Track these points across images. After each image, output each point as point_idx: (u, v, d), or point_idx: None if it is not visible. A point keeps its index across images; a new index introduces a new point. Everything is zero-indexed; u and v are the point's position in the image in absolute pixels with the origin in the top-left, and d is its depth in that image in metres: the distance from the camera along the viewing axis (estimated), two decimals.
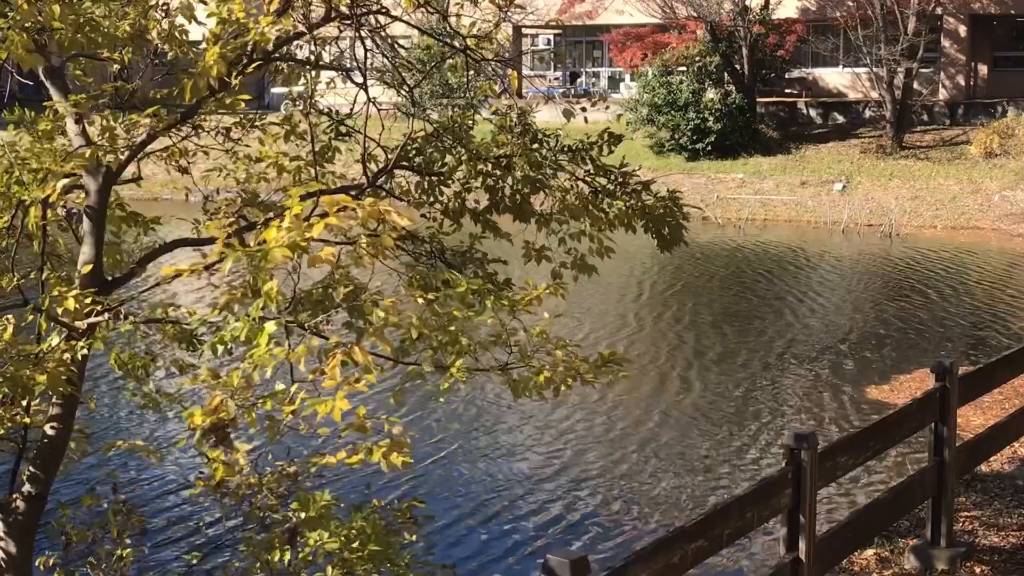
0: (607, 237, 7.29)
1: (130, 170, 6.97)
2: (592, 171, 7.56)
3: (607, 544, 11.55)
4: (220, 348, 5.19)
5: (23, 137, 7.01)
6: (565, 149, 7.54)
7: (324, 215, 4.60)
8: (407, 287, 6.91)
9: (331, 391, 4.67)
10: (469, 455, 14.29)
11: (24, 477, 6.78)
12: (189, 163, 7.63)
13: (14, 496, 6.75)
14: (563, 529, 12.00)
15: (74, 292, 6.15)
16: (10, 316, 5.80)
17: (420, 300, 5.95)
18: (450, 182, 7.59)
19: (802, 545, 7.03)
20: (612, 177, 7.53)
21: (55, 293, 6.18)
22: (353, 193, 6.85)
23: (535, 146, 7.49)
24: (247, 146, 7.77)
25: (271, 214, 6.78)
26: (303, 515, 6.46)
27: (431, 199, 7.59)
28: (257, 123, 7.73)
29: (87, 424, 9.04)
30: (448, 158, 7.54)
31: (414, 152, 7.50)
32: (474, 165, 7.46)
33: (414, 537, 6.81)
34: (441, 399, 12.62)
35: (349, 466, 5.36)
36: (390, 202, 5.63)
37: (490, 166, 7.45)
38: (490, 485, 13.26)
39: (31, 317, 6.25)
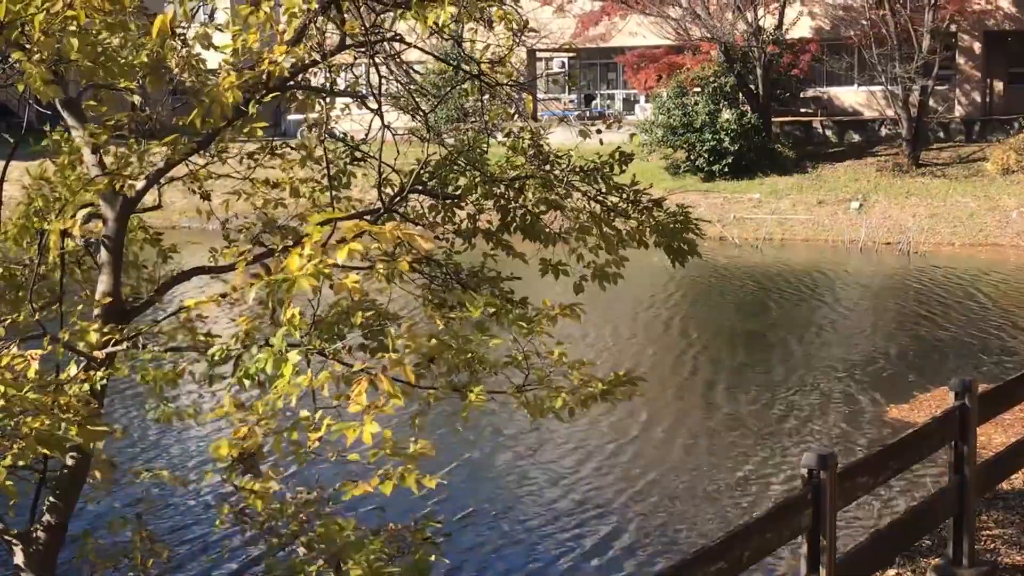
0: (622, 249, 7.34)
1: (151, 198, 7.01)
2: (604, 190, 7.59)
3: (626, 568, 11.51)
4: (247, 382, 5.19)
5: (46, 169, 7.07)
6: (577, 169, 7.56)
7: (343, 240, 4.62)
8: (426, 309, 6.94)
9: (354, 416, 4.67)
10: (485, 478, 14.26)
11: (44, 507, 6.77)
12: (209, 190, 7.67)
13: (34, 527, 6.74)
14: (582, 552, 11.95)
15: (95, 326, 6.17)
16: (34, 352, 5.78)
17: (440, 321, 5.96)
18: (463, 204, 7.62)
19: (823, 566, 7.00)
20: (624, 195, 7.56)
21: (77, 327, 6.19)
22: (369, 218, 6.89)
23: (547, 167, 7.51)
24: (267, 171, 7.80)
25: (290, 241, 6.82)
26: (339, 540, 6.40)
27: (445, 221, 7.62)
28: (277, 150, 7.77)
29: (113, 455, 9.03)
30: (462, 180, 7.57)
31: (428, 176, 7.53)
32: (488, 188, 7.48)
33: (433, 558, 6.78)
34: (461, 427, 12.61)
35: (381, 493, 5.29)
36: (407, 226, 5.65)
37: (503, 187, 7.48)
38: (509, 508, 13.21)
39: (49, 347, 6.27)
